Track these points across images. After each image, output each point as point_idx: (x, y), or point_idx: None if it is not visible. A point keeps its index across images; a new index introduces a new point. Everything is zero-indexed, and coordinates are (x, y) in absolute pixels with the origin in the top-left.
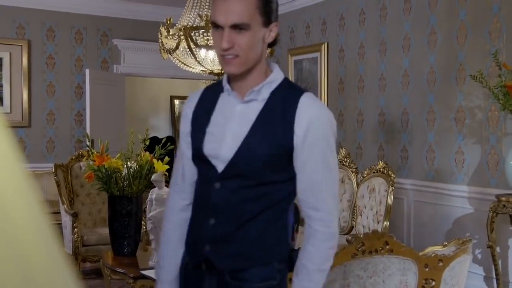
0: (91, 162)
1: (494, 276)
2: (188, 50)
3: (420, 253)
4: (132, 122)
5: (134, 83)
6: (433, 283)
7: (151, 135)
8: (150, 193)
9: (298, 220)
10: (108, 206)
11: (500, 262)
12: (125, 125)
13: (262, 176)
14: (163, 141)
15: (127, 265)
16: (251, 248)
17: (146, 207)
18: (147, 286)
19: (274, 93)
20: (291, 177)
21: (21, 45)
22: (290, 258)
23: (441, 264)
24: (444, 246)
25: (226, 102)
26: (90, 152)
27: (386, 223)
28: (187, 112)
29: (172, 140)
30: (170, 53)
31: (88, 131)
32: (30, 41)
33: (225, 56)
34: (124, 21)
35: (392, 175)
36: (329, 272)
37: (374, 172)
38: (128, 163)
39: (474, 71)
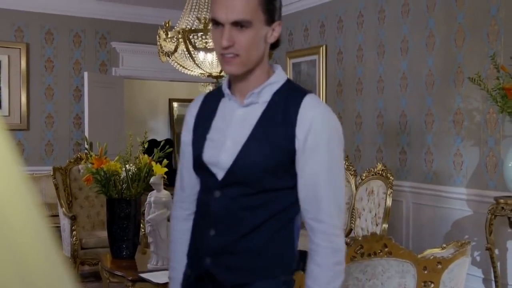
0: (89, 165)
1: (493, 279)
2: (186, 53)
3: (419, 256)
4: (131, 124)
5: (132, 86)
6: (432, 285)
7: (149, 138)
8: (148, 196)
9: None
10: (107, 209)
11: (498, 264)
12: (124, 128)
13: (264, 183)
14: (161, 143)
15: (125, 268)
16: (254, 260)
17: (144, 210)
18: None
19: (275, 95)
20: (296, 184)
21: (20, 48)
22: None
23: (440, 266)
24: (443, 248)
25: (227, 107)
26: (88, 155)
27: (385, 226)
28: (188, 120)
29: (171, 142)
30: (168, 56)
31: (86, 134)
32: (28, 44)
33: (224, 55)
34: (122, 24)
35: (390, 177)
36: None
37: (372, 175)
38: (127, 166)
39: (472, 74)
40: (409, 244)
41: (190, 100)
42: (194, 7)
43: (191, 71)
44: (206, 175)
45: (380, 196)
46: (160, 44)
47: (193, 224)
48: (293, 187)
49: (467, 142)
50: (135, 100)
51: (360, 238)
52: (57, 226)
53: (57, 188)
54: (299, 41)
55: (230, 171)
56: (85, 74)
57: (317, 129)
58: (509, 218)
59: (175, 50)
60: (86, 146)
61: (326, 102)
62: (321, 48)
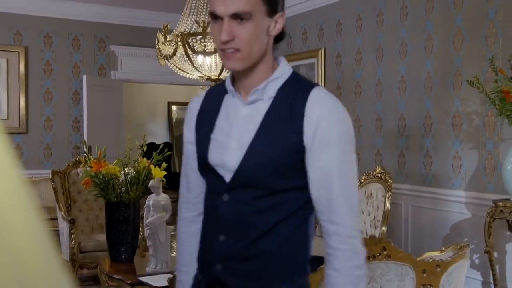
0: (88, 169)
1: (492, 282)
2: (185, 56)
3: (418, 259)
4: (130, 128)
5: (131, 89)
6: None
7: (148, 141)
8: (147, 199)
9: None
10: (106, 212)
11: (497, 267)
12: (123, 131)
13: (274, 184)
14: (160, 147)
15: (124, 272)
16: (267, 265)
17: (143, 213)
18: None
19: (281, 90)
20: (307, 183)
21: (18, 52)
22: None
23: (438, 269)
24: (442, 251)
25: (231, 104)
26: (87, 159)
27: (384, 229)
28: (190, 118)
29: (170, 146)
30: (167, 59)
31: (85, 137)
32: (27, 48)
33: (225, 51)
34: (121, 27)
35: (389, 180)
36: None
37: (371, 178)
38: (126, 169)
39: (471, 77)
40: (408, 247)
41: (188, 103)
42: (192, 10)
43: (190, 74)
44: (213, 177)
45: (379, 199)
46: (159, 48)
47: (202, 230)
48: (305, 186)
49: (465, 145)
50: (134, 104)
51: None
52: (56, 230)
53: (55, 192)
54: (297, 44)
55: (238, 173)
56: (84, 77)
57: (325, 124)
58: (508, 221)
59: (174, 53)
60: (85, 149)
61: None
62: (320, 52)
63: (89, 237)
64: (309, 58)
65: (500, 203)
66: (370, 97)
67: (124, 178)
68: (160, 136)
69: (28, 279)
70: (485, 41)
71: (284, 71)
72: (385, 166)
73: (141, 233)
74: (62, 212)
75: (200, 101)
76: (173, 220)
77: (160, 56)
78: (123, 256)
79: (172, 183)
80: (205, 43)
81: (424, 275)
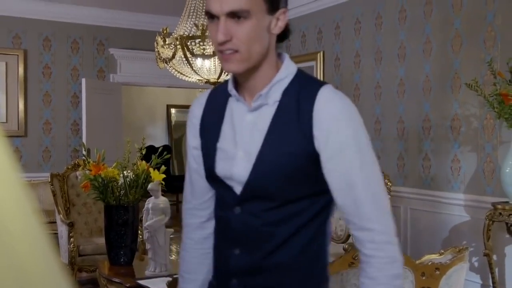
0: (87, 172)
1: (491, 284)
2: (184, 59)
3: (417, 262)
4: (129, 131)
5: (130, 92)
6: None
7: (147, 144)
8: (146, 202)
9: None
10: (105, 215)
11: (497, 270)
12: (122, 134)
13: (287, 194)
14: (159, 150)
15: (123, 275)
16: (284, 276)
17: (142, 217)
18: None
19: (286, 92)
20: (325, 188)
21: (17, 55)
22: None
23: (438, 272)
24: (441, 254)
25: (235, 110)
26: (86, 162)
27: None
28: (193, 122)
29: (169, 149)
30: (166, 63)
31: (84, 140)
32: (26, 51)
33: (223, 52)
34: (120, 30)
35: (388, 183)
36: None
37: None
38: (125, 172)
39: (469, 80)
40: (407, 250)
41: (188, 106)
42: (191, 13)
43: (189, 77)
44: (222, 189)
45: None
46: (158, 51)
47: (215, 241)
48: (320, 192)
49: (464, 148)
50: (133, 107)
51: None
52: (55, 233)
53: (54, 195)
54: (296, 47)
55: (248, 186)
56: (83, 80)
57: (337, 127)
58: (507, 223)
59: (173, 56)
60: (84, 152)
61: None
62: (319, 54)
63: (88, 240)
64: (308, 61)
65: (499, 206)
66: (369, 100)
67: (123, 181)
68: (159, 139)
69: (28, 282)
70: (483, 44)
71: (288, 70)
72: (384, 169)
73: (140, 236)
74: (61, 215)
75: (202, 104)
76: (172, 223)
77: (159, 59)
78: (122, 259)
79: (171, 186)
80: (204, 46)
81: (423, 278)
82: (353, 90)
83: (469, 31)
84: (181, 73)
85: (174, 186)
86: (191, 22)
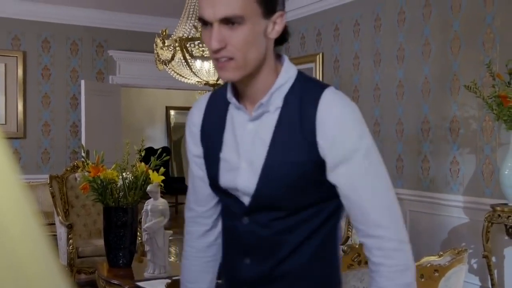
0: (86, 173)
1: (490, 286)
2: (183, 61)
3: (416, 263)
4: (128, 132)
5: (129, 94)
6: None
7: (146, 146)
8: (145, 204)
9: None
10: (103, 217)
11: (495, 272)
12: (121, 136)
13: (296, 203)
14: (158, 151)
15: (122, 277)
16: (296, 283)
17: (141, 218)
18: None
19: (288, 98)
20: (333, 193)
21: (16, 56)
22: None
23: (437, 274)
24: (440, 256)
25: (236, 118)
26: (85, 163)
27: None
28: (193, 130)
29: (168, 150)
30: (165, 64)
31: (83, 142)
32: (25, 52)
33: (218, 60)
34: (119, 32)
35: None
36: None
37: None
38: (124, 174)
39: (468, 81)
40: None
41: (187, 108)
42: (191, 15)
43: (188, 79)
44: (228, 200)
45: None
46: (157, 52)
47: (224, 251)
48: (328, 198)
49: (463, 149)
50: (132, 108)
51: (357, 246)
52: (54, 235)
53: (53, 197)
54: (295, 49)
55: (256, 198)
56: (82, 82)
57: (341, 134)
58: (505, 225)
59: (172, 58)
60: (83, 154)
61: None
62: (318, 56)
63: (87, 242)
64: (307, 63)
65: (498, 208)
66: (368, 102)
67: (122, 183)
68: (158, 140)
69: (27, 283)
70: (482, 46)
71: (288, 75)
72: None
73: (139, 238)
74: (60, 217)
75: (201, 111)
76: (171, 225)
77: (158, 61)
78: (121, 261)
79: (170, 188)
80: (203, 48)
81: (422, 280)
82: (352, 92)
83: (468, 33)
84: (180, 75)
85: (173, 188)
86: (190, 24)
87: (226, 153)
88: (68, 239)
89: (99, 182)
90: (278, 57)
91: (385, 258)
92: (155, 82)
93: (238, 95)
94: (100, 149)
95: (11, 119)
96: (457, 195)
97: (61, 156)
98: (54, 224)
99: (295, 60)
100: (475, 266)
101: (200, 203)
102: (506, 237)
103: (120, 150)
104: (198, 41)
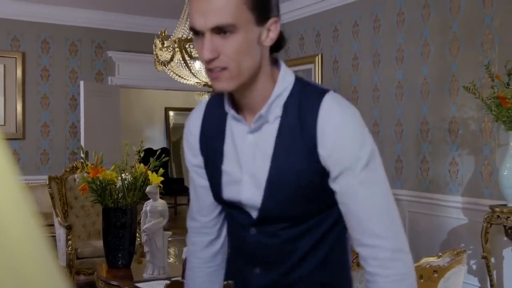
0: (85, 174)
1: (489, 287)
2: (182, 62)
3: (415, 264)
4: (127, 133)
5: (128, 94)
6: None
7: (145, 147)
8: (144, 205)
9: None
10: (103, 218)
11: (495, 272)
12: (120, 137)
13: (304, 211)
14: (157, 152)
15: (121, 278)
16: None
17: (140, 219)
18: None
19: (287, 106)
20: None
21: (16, 57)
22: None
23: (436, 275)
24: (439, 257)
25: (235, 129)
26: (84, 164)
27: None
28: (190, 141)
29: (167, 151)
30: (164, 65)
31: (82, 143)
32: (24, 53)
33: (212, 70)
34: (118, 33)
35: None
36: None
37: None
38: (123, 175)
39: (467, 82)
40: None
41: (186, 109)
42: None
43: (187, 80)
44: (233, 211)
45: None
46: (156, 53)
47: (230, 260)
48: (334, 203)
49: (462, 150)
50: (131, 109)
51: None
52: (53, 236)
53: (52, 198)
54: (294, 50)
55: (262, 212)
56: (81, 83)
57: (341, 145)
58: (504, 226)
59: (171, 59)
60: (82, 155)
61: None
62: (317, 57)
63: (86, 243)
64: (306, 64)
65: (497, 209)
66: (367, 102)
67: (121, 184)
68: (157, 141)
69: (27, 284)
70: (481, 47)
71: (286, 82)
72: None
73: (138, 239)
74: (59, 218)
75: (199, 120)
76: (170, 225)
77: (158, 62)
78: (120, 262)
79: (169, 189)
80: None
81: (422, 280)
82: (351, 93)
83: (467, 34)
84: (179, 76)
85: (172, 188)
86: (190, 25)
87: (227, 165)
88: (67, 240)
89: (98, 183)
90: (275, 62)
91: (380, 268)
92: (154, 83)
93: (235, 105)
94: (99, 150)
95: (10, 120)
96: (456, 196)
97: (60, 157)
98: (53, 225)
99: (294, 61)
100: (474, 267)
101: (204, 213)
102: (505, 238)
103: (119, 151)
104: None
